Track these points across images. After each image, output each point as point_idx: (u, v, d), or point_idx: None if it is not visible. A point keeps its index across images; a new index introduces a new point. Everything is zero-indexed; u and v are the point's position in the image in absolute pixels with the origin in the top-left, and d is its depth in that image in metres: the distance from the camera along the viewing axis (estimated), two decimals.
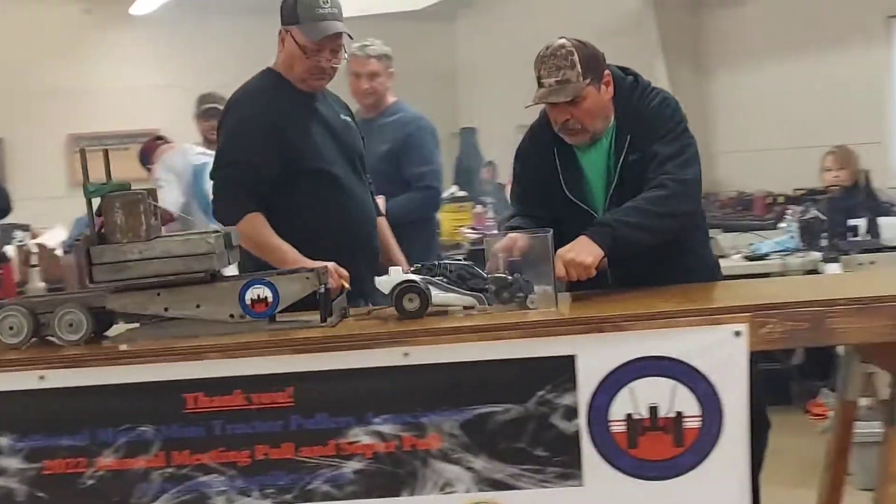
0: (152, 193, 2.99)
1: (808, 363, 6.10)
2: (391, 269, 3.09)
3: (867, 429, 3.92)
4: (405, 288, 3.00)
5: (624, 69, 3.53)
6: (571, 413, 2.78)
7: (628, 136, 3.40)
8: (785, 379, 6.18)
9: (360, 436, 2.79)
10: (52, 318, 2.95)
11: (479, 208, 7.82)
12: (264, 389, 2.79)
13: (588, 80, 3.34)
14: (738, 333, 2.78)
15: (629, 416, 2.78)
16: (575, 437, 2.78)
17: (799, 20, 8.67)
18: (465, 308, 3.03)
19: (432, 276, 3.04)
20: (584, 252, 3.14)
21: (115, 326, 3.07)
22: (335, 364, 2.79)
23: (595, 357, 2.78)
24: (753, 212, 9.28)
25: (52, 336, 2.97)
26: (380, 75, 5.14)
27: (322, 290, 2.97)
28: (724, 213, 9.55)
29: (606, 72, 3.41)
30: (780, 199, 8.90)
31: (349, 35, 3.66)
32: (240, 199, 3.54)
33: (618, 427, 2.78)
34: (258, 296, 2.97)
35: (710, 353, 2.78)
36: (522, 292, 3.01)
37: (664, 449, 2.79)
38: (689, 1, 10.46)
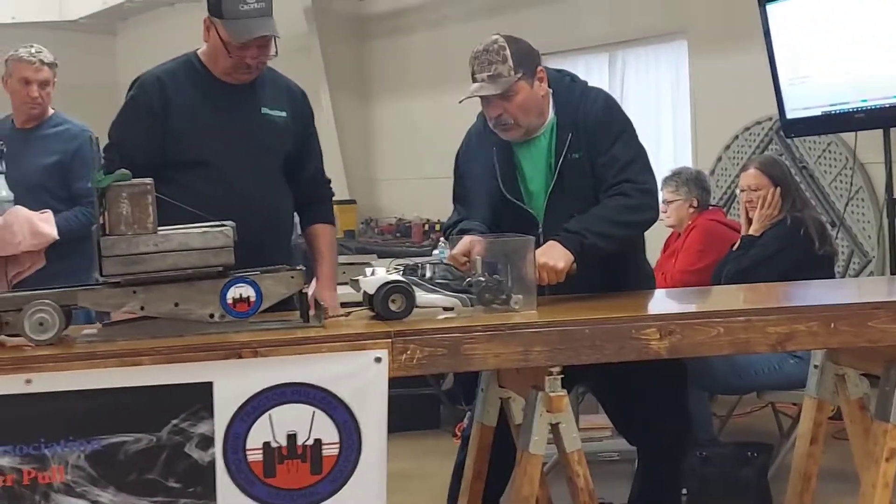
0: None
1: (456, 387, 6.24)
2: (375, 268, 3.01)
3: None
4: (392, 288, 2.91)
5: (559, 70, 3.55)
6: (207, 442, 2.69)
7: (570, 135, 3.39)
8: (435, 403, 6.30)
9: None
10: (19, 317, 2.69)
11: None
12: None
13: (520, 75, 3.33)
14: (378, 359, 2.77)
15: (266, 444, 2.71)
16: (210, 467, 2.68)
17: (457, 54, 8.94)
18: (446, 309, 2.99)
19: (415, 277, 2.98)
20: (557, 256, 3.17)
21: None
22: None
23: (233, 384, 2.70)
24: (412, 238, 9.48)
25: (18, 335, 2.71)
26: (49, 84, 4.87)
27: (305, 290, 2.87)
28: (384, 239, 9.71)
29: (540, 67, 3.40)
30: (437, 227, 9.14)
31: (276, 35, 3.42)
32: None
33: (255, 456, 2.71)
34: (240, 295, 2.83)
35: (351, 380, 2.76)
36: (506, 294, 2.98)
37: (302, 477, 2.73)
38: (353, 29, 10.59)
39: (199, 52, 3.54)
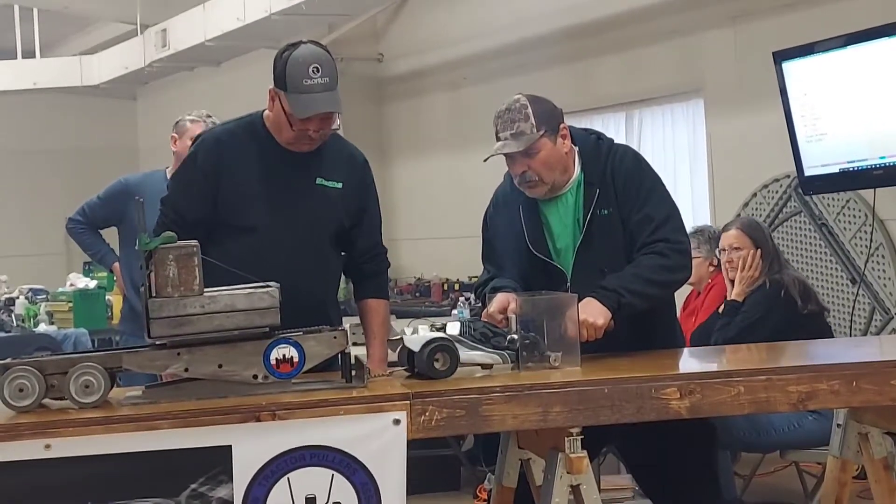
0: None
1: (476, 448, 6.20)
2: (419, 326, 3.03)
3: None
4: (436, 347, 2.93)
5: (586, 129, 3.60)
6: None
7: (597, 191, 3.42)
8: (455, 464, 6.26)
9: None
10: (64, 380, 2.71)
11: None
12: None
13: (542, 132, 3.37)
14: (397, 421, 2.77)
15: None
16: None
17: (474, 115, 9.01)
18: (484, 367, 3.01)
19: (457, 335, 3.00)
20: (596, 313, 3.21)
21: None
22: None
23: (251, 447, 2.70)
24: (431, 298, 9.48)
25: (63, 398, 2.74)
26: None
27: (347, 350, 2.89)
28: (403, 298, 9.71)
29: (563, 125, 3.44)
30: (456, 286, 9.14)
31: (339, 111, 3.37)
32: None
33: None
34: (284, 355, 2.85)
35: (370, 442, 2.76)
36: (547, 351, 3.02)
37: None
38: (372, 91, 10.67)
39: (264, 114, 3.50)
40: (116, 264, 5.37)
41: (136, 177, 5.21)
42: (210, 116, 5.05)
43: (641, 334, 3.41)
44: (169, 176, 4.95)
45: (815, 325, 4.72)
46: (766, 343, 4.16)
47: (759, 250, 4.87)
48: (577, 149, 3.50)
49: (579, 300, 3.20)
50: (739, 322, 4.73)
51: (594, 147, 3.52)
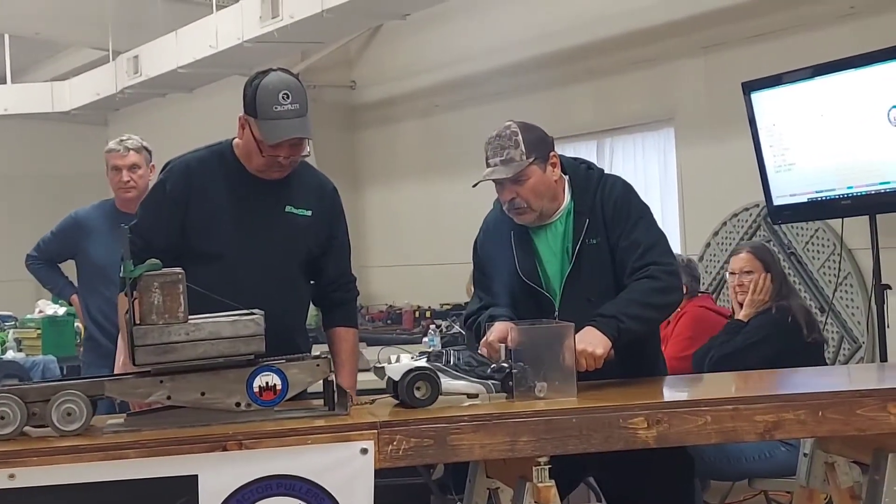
0: None
1: (446, 477, 6.18)
2: (401, 355, 3.04)
3: None
4: (417, 375, 2.93)
5: (575, 158, 3.62)
6: None
7: (587, 220, 3.43)
8: (425, 493, 6.24)
9: None
10: (46, 407, 2.69)
11: None
12: None
13: (531, 159, 3.38)
14: (364, 451, 2.76)
15: None
16: None
17: (446, 142, 9.05)
18: (469, 396, 2.99)
19: (441, 364, 3.00)
20: (596, 342, 3.20)
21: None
22: None
23: (218, 477, 2.68)
24: (403, 325, 9.47)
25: (45, 426, 2.72)
26: (140, 167, 5.06)
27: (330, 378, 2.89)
28: (375, 326, 9.70)
29: (553, 153, 3.45)
30: (428, 313, 9.13)
31: (310, 136, 3.38)
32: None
33: None
34: (267, 383, 2.85)
35: (337, 471, 2.75)
36: (534, 381, 3.01)
37: None
38: (343, 118, 10.69)
39: (234, 142, 3.51)
40: (75, 296, 5.35)
41: (86, 209, 5.21)
42: (127, 140, 5.16)
43: (629, 363, 3.40)
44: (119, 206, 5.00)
45: (815, 356, 4.74)
46: (735, 372, 4.18)
47: (769, 274, 4.89)
48: (567, 178, 3.53)
49: (577, 329, 3.20)
50: (739, 342, 4.74)
51: (584, 176, 3.54)
